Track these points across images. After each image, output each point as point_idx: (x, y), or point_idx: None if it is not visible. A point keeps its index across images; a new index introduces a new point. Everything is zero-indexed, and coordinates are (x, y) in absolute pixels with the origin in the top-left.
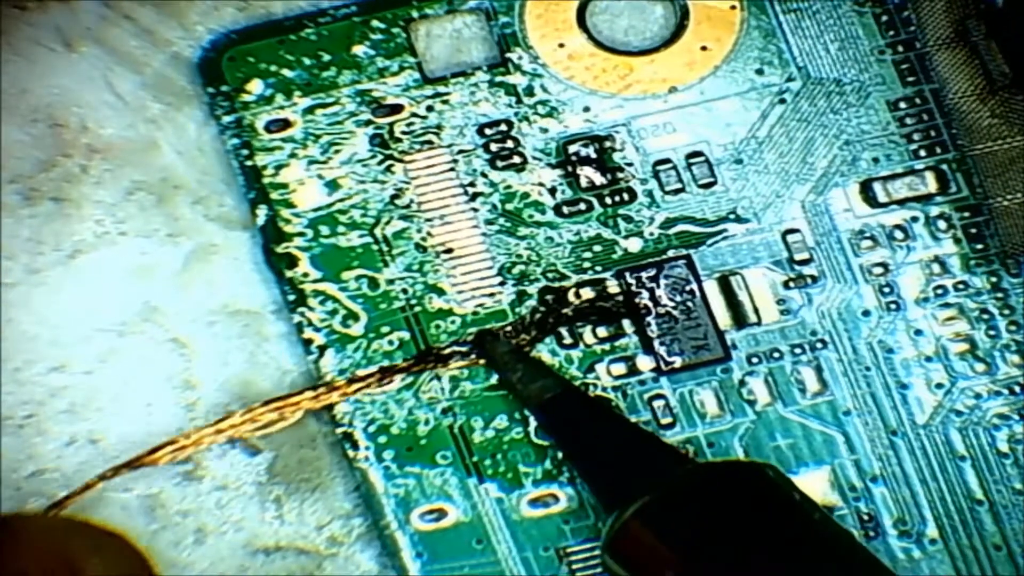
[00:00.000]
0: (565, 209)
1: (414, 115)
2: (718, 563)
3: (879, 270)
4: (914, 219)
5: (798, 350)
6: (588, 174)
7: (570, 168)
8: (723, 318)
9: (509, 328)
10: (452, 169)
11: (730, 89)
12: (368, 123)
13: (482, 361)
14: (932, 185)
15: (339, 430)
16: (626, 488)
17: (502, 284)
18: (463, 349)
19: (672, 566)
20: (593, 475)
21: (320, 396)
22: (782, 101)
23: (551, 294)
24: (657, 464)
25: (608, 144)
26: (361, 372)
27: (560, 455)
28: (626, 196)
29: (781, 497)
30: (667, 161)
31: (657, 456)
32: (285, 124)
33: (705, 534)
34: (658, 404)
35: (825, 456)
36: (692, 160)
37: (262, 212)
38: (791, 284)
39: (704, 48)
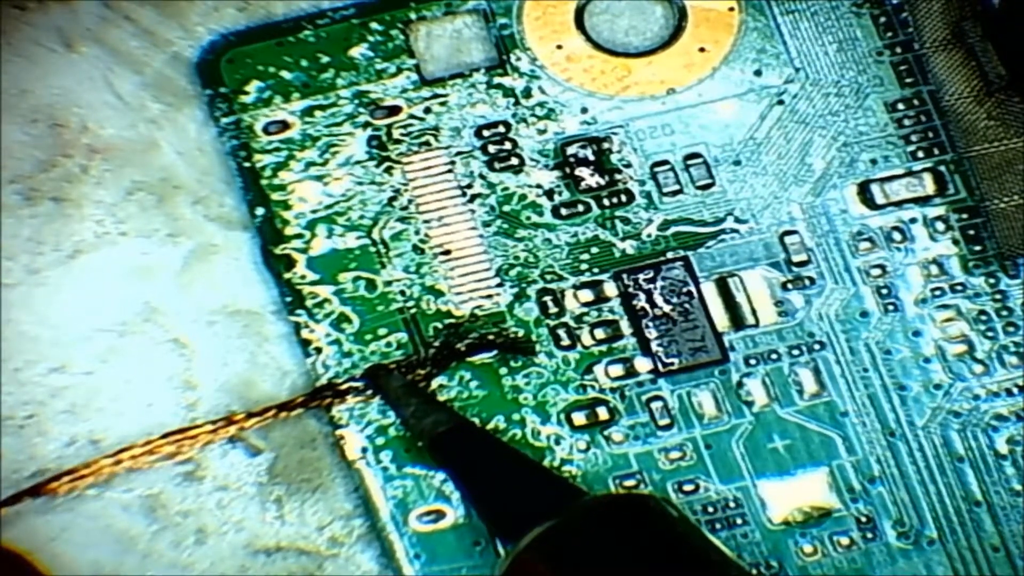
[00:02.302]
0: (563, 211)
1: (412, 117)
2: None
3: (877, 271)
4: (912, 220)
5: (796, 351)
6: (586, 176)
7: (568, 170)
8: (721, 320)
9: (404, 363)
10: (450, 171)
11: (728, 91)
12: (366, 125)
13: (376, 396)
14: (930, 187)
15: (338, 432)
16: (518, 522)
17: (500, 285)
18: (359, 384)
19: None
20: (486, 509)
21: (219, 430)
22: (780, 102)
23: (447, 328)
24: (549, 498)
25: (606, 146)
26: (259, 407)
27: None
28: (624, 198)
29: (668, 529)
30: (665, 163)
31: (549, 490)
32: (283, 126)
33: (595, 566)
34: (656, 406)
35: (823, 457)
36: (690, 162)
37: (260, 213)
38: (789, 286)
39: (702, 50)
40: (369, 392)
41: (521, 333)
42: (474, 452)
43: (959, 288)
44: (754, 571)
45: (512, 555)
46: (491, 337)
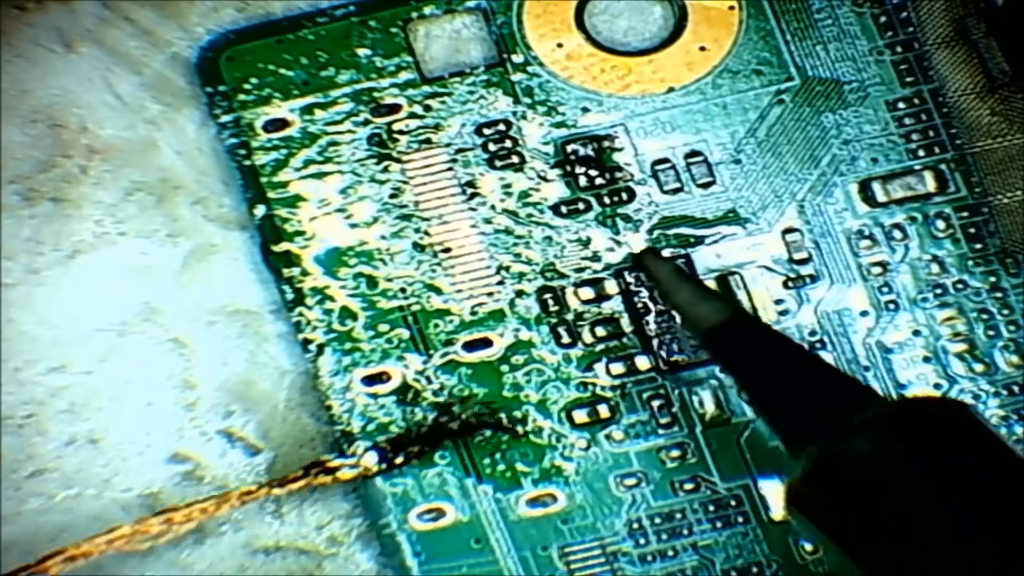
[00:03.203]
0: (563, 208)
1: (412, 115)
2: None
3: (877, 270)
4: (912, 219)
5: None
6: (586, 174)
7: (568, 168)
8: None
9: (395, 438)
10: (450, 168)
11: (729, 89)
12: (366, 123)
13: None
14: (931, 185)
15: (337, 428)
16: (807, 430)
17: (500, 283)
18: (350, 461)
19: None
20: (770, 411)
21: (208, 508)
22: (780, 101)
23: (440, 408)
24: (840, 401)
25: (607, 144)
26: (251, 487)
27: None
28: (624, 196)
29: (988, 444)
30: (666, 161)
31: (838, 393)
32: (283, 124)
33: (896, 485)
34: (657, 404)
35: None
36: (691, 160)
37: (260, 211)
38: (790, 284)
39: (703, 48)
40: (359, 469)
41: (511, 414)
42: (754, 347)
43: (959, 286)
44: (754, 569)
45: (796, 476)
46: (483, 418)
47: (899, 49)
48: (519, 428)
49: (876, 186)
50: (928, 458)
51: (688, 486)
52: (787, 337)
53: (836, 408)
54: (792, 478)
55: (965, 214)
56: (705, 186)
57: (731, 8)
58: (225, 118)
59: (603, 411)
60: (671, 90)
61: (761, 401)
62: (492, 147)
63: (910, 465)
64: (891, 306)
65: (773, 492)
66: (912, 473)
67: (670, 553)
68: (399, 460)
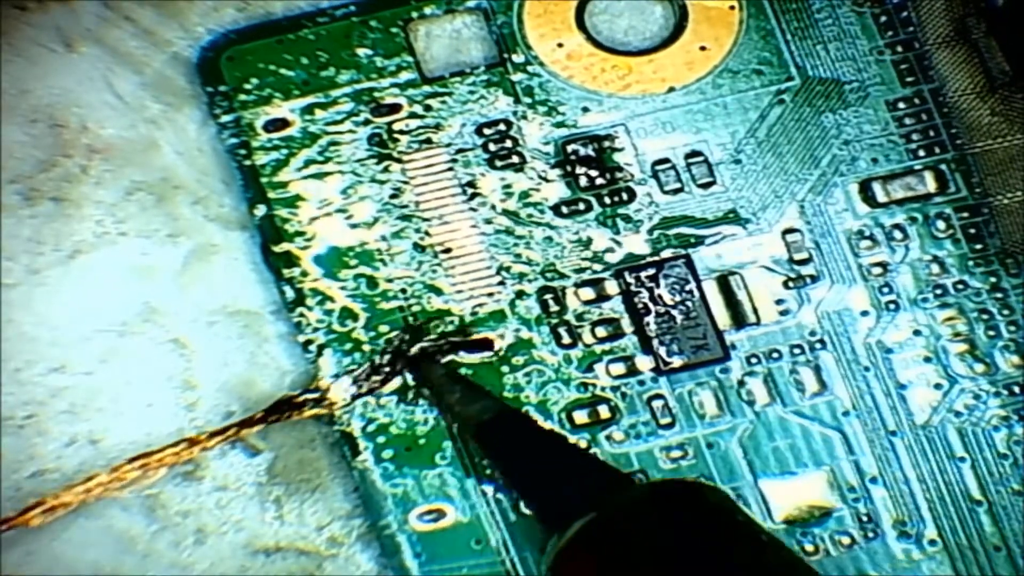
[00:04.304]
0: (564, 209)
1: (412, 115)
2: None
3: (878, 270)
4: (913, 219)
5: (797, 350)
6: (587, 174)
7: (569, 168)
8: (722, 318)
9: (356, 371)
10: (450, 168)
11: (729, 89)
12: (367, 122)
13: (407, 382)
14: (931, 185)
15: (337, 429)
16: (565, 512)
17: (501, 284)
18: (315, 396)
19: None
20: (533, 496)
21: (181, 452)
22: (781, 101)
23: (403, 332)
24: (596, 486)
25: (607, 144)
26: (219, 427)
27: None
28: (625, 196)
29: (728, 518)
30: (666, 161)
31: (596, 478)
32: (283, 123)
33: (644, 556)
34: (657, 404)
35: (824, 456)
36: (691, 160)
37: (260, 211)
38: (790, 284)
39: (703, 48)
40: (325, 404)
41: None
42: (521, 440)
43: (960, 287)
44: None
45: (558, 547)
46: (444, 339)
47: (899, 49)
48: (488, 339)
49: (876, 186)
50: (679, 529)
51: None
52: (551, 429)
53: (598, 488)
54: (557, 546)
55: (965, 214)
56: (705, 186)
57: (731, 8)
58: (226, 118)
59: (603, 411)
60: (671, 90)
61: (526, 486)
62: (492, 147)
63: (665, 535)
64: (892, 306)
65: (774, 492)
66: (667, 542)
67: None
68: (363, 391)
